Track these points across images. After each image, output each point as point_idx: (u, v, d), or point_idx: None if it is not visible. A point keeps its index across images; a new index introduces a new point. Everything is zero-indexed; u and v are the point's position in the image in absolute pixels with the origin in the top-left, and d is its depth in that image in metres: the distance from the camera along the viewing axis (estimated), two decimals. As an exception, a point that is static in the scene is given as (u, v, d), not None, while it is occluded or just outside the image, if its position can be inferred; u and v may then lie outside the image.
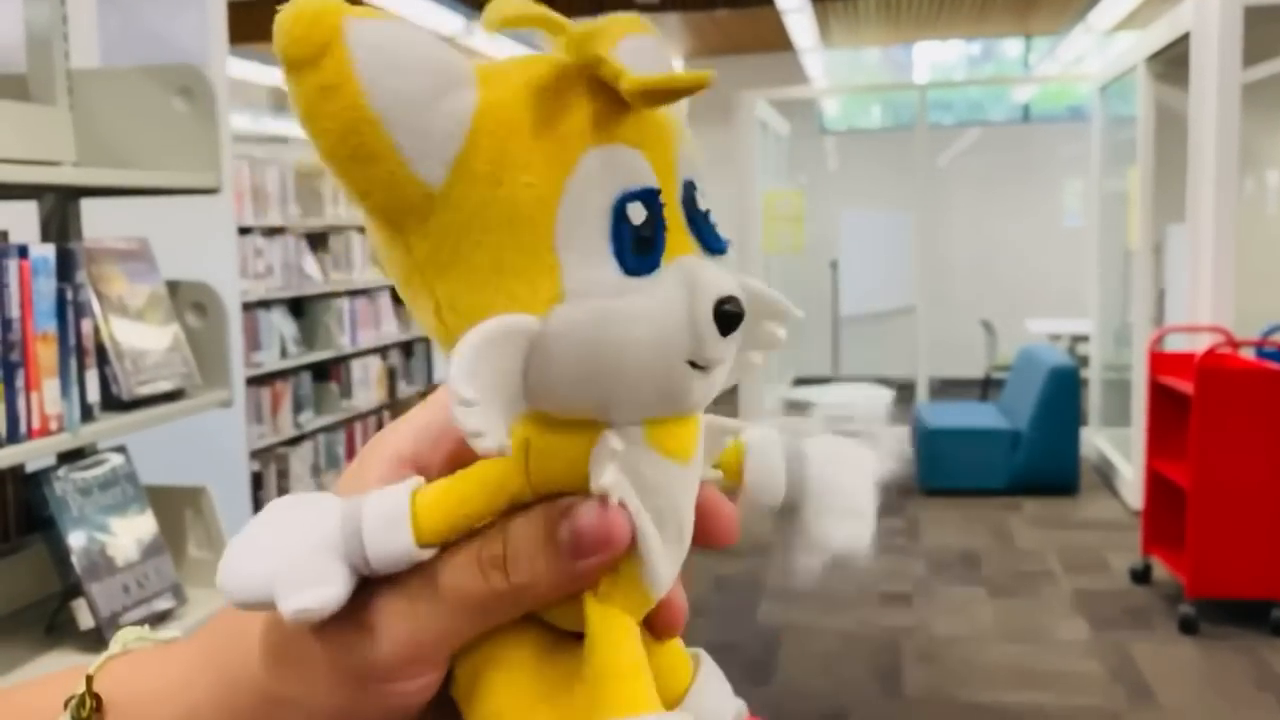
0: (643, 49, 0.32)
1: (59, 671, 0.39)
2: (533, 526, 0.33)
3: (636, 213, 0.31)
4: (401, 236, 0.32)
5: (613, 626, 0.33)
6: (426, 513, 0.32)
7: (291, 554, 0.32)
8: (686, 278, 0.32)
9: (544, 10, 0.32)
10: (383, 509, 0.32)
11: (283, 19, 0.30)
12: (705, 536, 0.36)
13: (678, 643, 0.38)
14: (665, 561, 0.34)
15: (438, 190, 0.31)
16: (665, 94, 0.31)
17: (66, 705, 0.37)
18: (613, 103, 0.32)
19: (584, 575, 0.33)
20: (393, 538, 0.32)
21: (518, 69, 0.32)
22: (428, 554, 0.32)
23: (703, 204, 0.34)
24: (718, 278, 0.32)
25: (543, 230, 0.31)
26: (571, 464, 0.33)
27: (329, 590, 0.31)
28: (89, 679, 0.38)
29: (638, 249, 0.31)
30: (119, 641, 0.41)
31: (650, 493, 0.33)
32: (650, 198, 0.32)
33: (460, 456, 0.35)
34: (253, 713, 0.35)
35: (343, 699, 0.33)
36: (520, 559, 0.33)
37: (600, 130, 0.31)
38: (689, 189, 0.33)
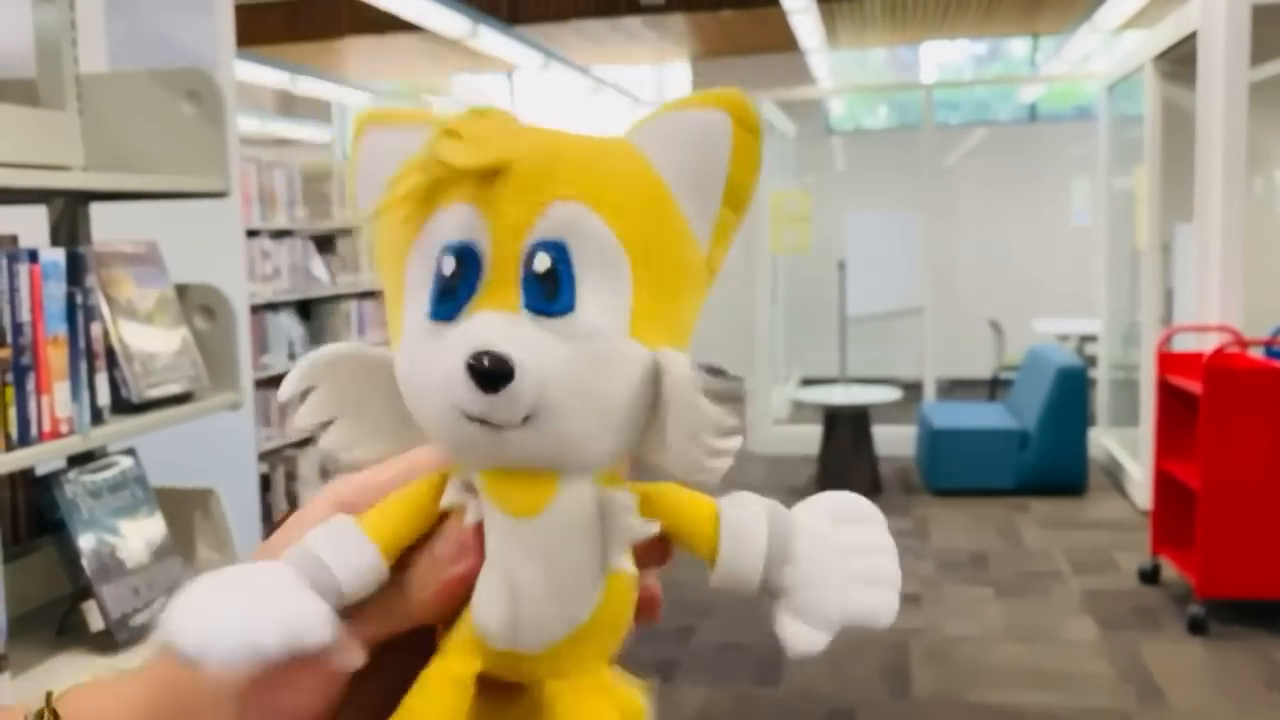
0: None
1: (16, 705, 0.41)
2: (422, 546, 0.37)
3: (447, 264, 0.34)
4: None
5: (436, 669, 0.36)
6: (374, 533, 0.36)
7: (265, 601, 0.33)
8: (467, 331, 0.33)
9: (411, 111, 0.39)
10: (337, 538, 0.35)
11: (361, 112, 0.40)
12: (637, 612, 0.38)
13: (608, 687, 0.37)
14: (497, 609, 0.35)
15: (374, 239, 0.38)
16: (486, 172, 0.35)
17: (26, 719, 0.40)
18: (470, 171, 0.35)
19: (448, 588, 0.36)
20: (360, 556, 0.35)
21: (419, 141, 0.37)
22: (386, 567, 0.36)
23: (543, 265, 0.34)
24: (487, 333, 0.33)
25: (399, 273, 0.36)
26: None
27: (324, 614, 0.34)
28: (49, 694, 0.40)
29: (442, 298, 0.34)
30: (90, 676, 0.44)
31: (489, 536, 0.36)
32: (463, 252, 0.34)
33: None
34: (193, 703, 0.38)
35: (231, 705, 0.36)
36: (409, 574, 0.37)
37: (450, 190, 0.35)
38: (541, 249, 0.34)
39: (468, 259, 0.34)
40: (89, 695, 0.40)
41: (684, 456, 0.35)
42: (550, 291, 0.34)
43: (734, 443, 0.35)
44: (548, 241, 0.34)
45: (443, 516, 0.37)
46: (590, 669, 0.37)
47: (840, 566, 0.38)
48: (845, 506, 0.40)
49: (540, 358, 0.33)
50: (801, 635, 0.38)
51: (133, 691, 0.39)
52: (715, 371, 0.35)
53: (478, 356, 0.32)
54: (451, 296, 0.34)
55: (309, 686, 0.36)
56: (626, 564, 0.36)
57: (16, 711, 0.39)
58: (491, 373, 0.32)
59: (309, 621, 0.33)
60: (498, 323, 0.33)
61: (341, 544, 0.35)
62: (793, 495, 0.40)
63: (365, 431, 0.38)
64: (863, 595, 0.39)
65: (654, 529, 0.36)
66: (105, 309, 1.67)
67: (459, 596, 0.36)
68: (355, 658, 0.36)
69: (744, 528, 0.37)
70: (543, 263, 0.34)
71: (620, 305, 0.35)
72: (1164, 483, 3.85)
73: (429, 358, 0.34)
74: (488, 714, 0.37)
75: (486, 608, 0.35)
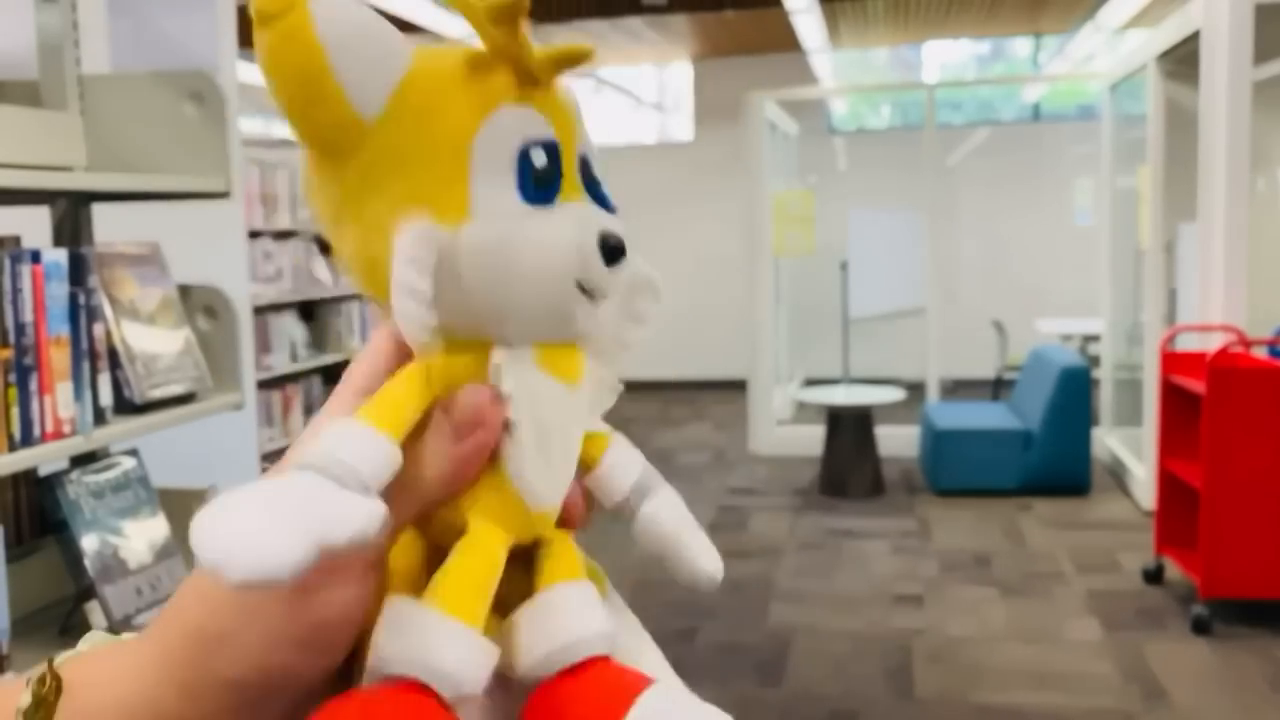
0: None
1: (14, 677, 0.40)
2: (424, 422, 0.37)
3: (538, 156, 0.38)
4: (336, 168, 0.38)
5: (472, 539, 0.37)
6: (383, 424, 0.36)
7: (316, 504, 0.32)
8: (577, 214, 0.38)
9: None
10: (350, 437, 0.35)
11: None
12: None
13: (575, 561, 0.40)
14: (543, 471, 0.38)
15: (371, 124, 0.37)
16: (563, 61, 0.38)
17: (28, 683, 0.39)
18: (527, 79, 0.38)
19: (466, 459, 0.37)
20: (376, 448, 0.35)
21: (449, 49, 0.39)
22: (400, 454, 0.36)
23: (597, 173, 0.41)
24: (604, 217, 0.39)
25: (458, 161, 0.37)
26: (468, 379, 0.38)
27: (376, 504, 0.34)
28: (50, 660, 0.39)
29: (538, 184, 0.38)
30: (87, 642, 0.43)
31: (535, 404, 0.38)
32: (551, 148, 0.38)
33: None
34: (190, 663, 0.36)
35: (275, 620, 0.35)
36: (418, 454, 0.37)
37: (515, 93, 0.38)
38: (585, 160, 0.40)
39: (554, 156, 0.38)
40: (90, 663, 0.40)
41: (615, 332, 0.41)
42: (603, 193, 0.41)
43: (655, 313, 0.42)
44: (584, 153, 0.40)
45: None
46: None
47: (684, 511, 0.44)
48: None
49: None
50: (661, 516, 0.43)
51: (139, 649, 0.38)
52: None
53: (608, 237, 0.37)
54: (545, 186, 0.38)
55: (347, 586, 0.36)
56: (602, 426, 0.42)
57: (18, 683, 0.39)
58: (618, 249, 0.38)
59: (369, 510, 0.33)
60: (597, 210, 0.39)
61: (356, 442, 0.35)
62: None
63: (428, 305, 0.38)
64: (700, 541, 0.43)
65: (614, 399, 0.42)
66: (108, 310, 1.67)
67: (474, 468, 0.38)
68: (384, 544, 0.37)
69: (627, 445, 0.43)
70: (596, 170, 0.41)
71: None
72: (1168, 483, 3.85)
73: (533, 236, 0.37)
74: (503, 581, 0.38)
75: (539, 470, 0.38)
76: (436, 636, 0.34)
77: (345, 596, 0.36)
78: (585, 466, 0.42)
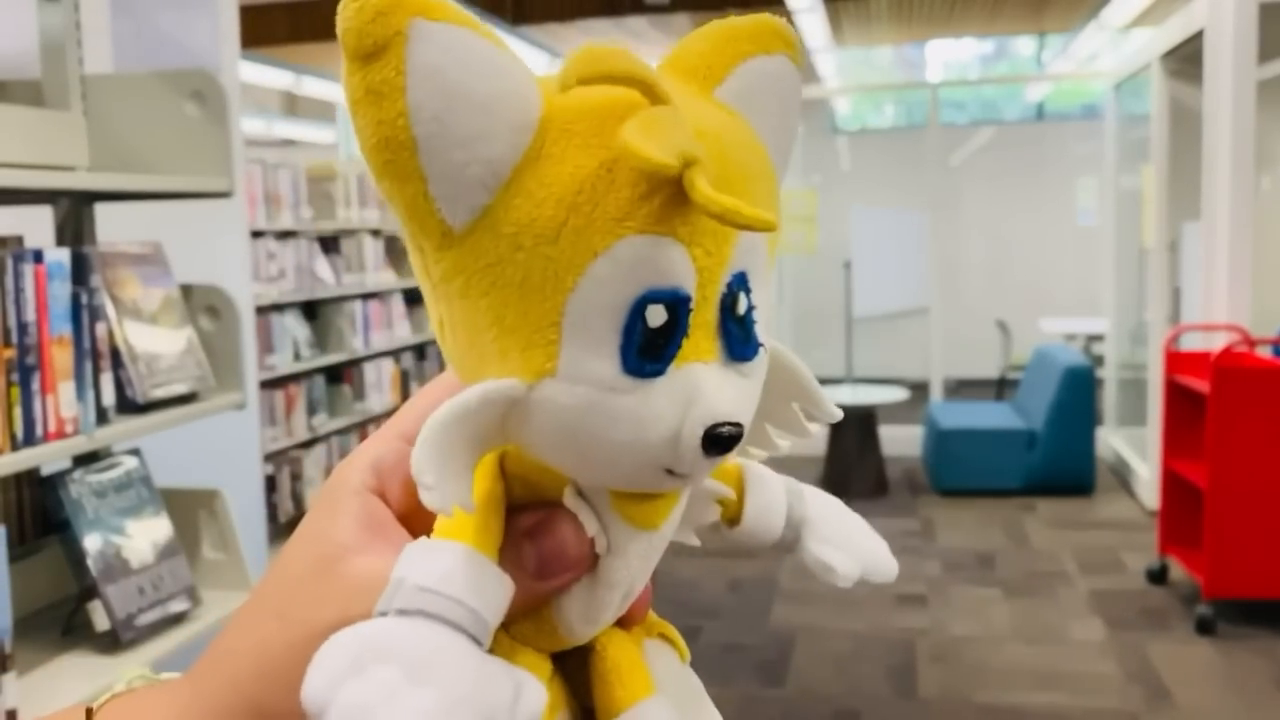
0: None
1: (60, 711, 0.40)
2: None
3: (655, 315, 0.29)
4: (419, 251, 0.31)
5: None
6: (482, 546, 0.31)
7: (462, 683, 0.29)
8: (687, 391, 0.30)
9: (641, 70, 0.28)
10: (461, 570, 0.30)
11: (347, 1, 0.28)
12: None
13: (639, 657, 0.37)
14: (591, 615, 0.34)
15: (458, 232, 0.30)
16: (735, 221, 0.28)
17: None
18: (675, 190, 0.28)
19: (542, 598, 0.34)
20: (496, 585, 0.31)
21: (585, 117, 0.29)
22: (511, 583, 0.32)
23: (743, 306, 0.31)
24: (719, 398, 0.30)
25: (551, 305, 0.29)
26: (540, 479, 0.33)
27: (537, 693, 0.30)
28: (89, 710, 0.39)
29: (645, 353, 0.29)
30: (123, 680, 0.42)
31: (607, 553, 0.33)
32: (677, 301, 0.29)
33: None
34: (230, 713, 0.35)
35: None
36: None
37: (648, 216, 0.28)
38: (735, 286, 0.31)
39: (680, 310, 0.29)
40: (128, 709, 0.39)
41: (753, 439, 0.36)
42: (746, 336, 0.31)
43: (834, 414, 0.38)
44: (738, 274, 0.31)
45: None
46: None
47: (845, 518, 0.40)
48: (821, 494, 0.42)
49: (748, 416, 0.31)
50: (837, 558, 0.38)
51: (176, 693, 0.37)
52: None
53: (720, 427, 0.30)
54: (658, 354, 0.29)
55: None
56: (694, 540, 0.37)
57: (66, 715, 0.38)
58: (727, 441, 0.30)
59: (532, 703, 0.29)
60: (717, 383, 0.30)
61: (476, 578, 0.30)
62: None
63: (460, 471, 0.32)
64: (873, 544, 0.39)
65: (715, 514, 0.38)
66: (110, 309, 1.67)
67: (545, 602, 0.34)
68: None
69: (764, 476, 0.38)
70: (743, 304, 0.31)
71: (765, 304, 0.33)
72: (1172, 482, 3.84)
73: (628, 413, 0.29)
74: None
75: (586, 610, 0.34)
76: None
77: None
78: (728, 523, 0.38)
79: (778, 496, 0.38)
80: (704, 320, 0.30)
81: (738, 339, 0.31)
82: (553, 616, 0.34)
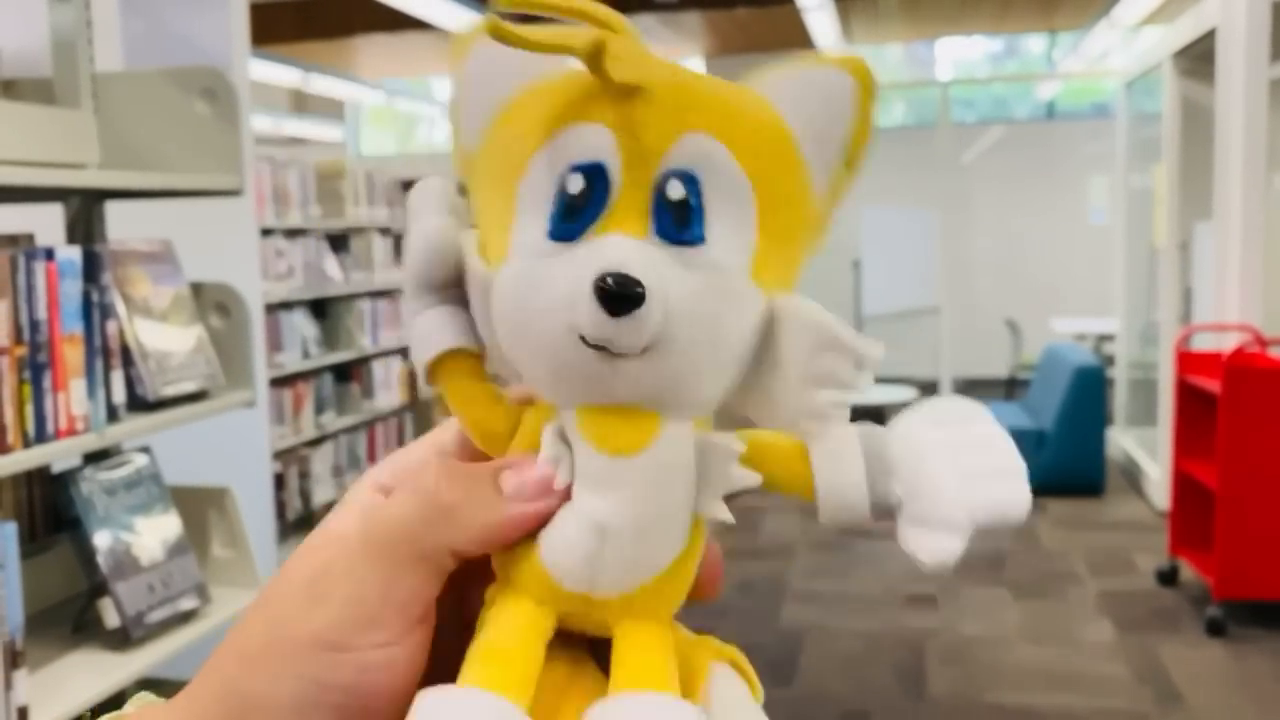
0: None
1: None
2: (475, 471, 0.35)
3: (574, 183, 0.33)
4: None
5: (498, 612, 0.34)
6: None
7: None
8: (597, 251, 0.32)
9: (531, 33, 0.33)
10: None
11: (457, 35, 0.37)
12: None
13: (687, 644, 0.37)
14: (573, 551, 0.33)
15: (475, 156, 0.36)
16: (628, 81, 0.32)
17: None
18: (612, 89, 0.33)
19: (518, 523, 0.34)
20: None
21: (552, 76, 0.36)
22: None
23: (677, 193, 0.33)
24: (619, 254, 0.31)
25: (511, 189, 0.34)
26: (528, 436, 0.35)
27: None
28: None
29: (565, 217, 0.33)
30: (133, 703, 0.41)
31: (577, 481, 0.34)
32: (593, 172, 0.33)
33: None
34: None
35: (308, 682, 0.33)
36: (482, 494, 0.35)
37: (584, 109, 0.33)
38: (675, 177, 0.33)
39: (596, 179, 0.33)
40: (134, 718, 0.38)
41: (798, 403, 0.35)
42: (681, 220, 0.33)
43: (865, 379, 0.35)
44: (680, 170, 0.33)
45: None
46: (657, 621, 0.35)
47: (953, 466, 0.35)
48: (943, 409, 0.38)
49: (669, 284, 0.31)
50: (927, 544, 0.35)
51: (172, 710, 0.37)
52: None
53: (606, 277, 0.30)
54: (576, 216, 0.33)
55: (386, 646, 0.34)
56: (722, 512, 0.35)
57: None
58: (621, 295, 0.30)
59: None
60: (628, 245, 0.32)
61: None
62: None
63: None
64: (987, 489, 0.35)
65: (755, 480, 0.35)
66: (121, 307, 1.68)
67: (520, 535, 0.34)
68: None
69: (837, 452, 0.36)
70: (676, 190, 0.33)
71: (745, 246, 0.34)
72: (1182, 483, 3.82)
73: (546, 277, 0.32)
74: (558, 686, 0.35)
75: (566, 546, 0.33)
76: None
77: (384, 657, 0.33)
78: (802, 495, 0.36)
79: (851, 473, 0.36)
80: (634, 201, 0.33)
81: (668, 221, 0.33)
82: (538, 556, 0.34)
